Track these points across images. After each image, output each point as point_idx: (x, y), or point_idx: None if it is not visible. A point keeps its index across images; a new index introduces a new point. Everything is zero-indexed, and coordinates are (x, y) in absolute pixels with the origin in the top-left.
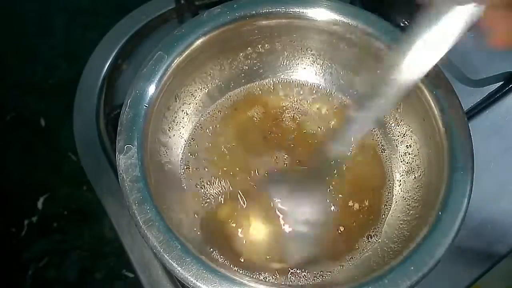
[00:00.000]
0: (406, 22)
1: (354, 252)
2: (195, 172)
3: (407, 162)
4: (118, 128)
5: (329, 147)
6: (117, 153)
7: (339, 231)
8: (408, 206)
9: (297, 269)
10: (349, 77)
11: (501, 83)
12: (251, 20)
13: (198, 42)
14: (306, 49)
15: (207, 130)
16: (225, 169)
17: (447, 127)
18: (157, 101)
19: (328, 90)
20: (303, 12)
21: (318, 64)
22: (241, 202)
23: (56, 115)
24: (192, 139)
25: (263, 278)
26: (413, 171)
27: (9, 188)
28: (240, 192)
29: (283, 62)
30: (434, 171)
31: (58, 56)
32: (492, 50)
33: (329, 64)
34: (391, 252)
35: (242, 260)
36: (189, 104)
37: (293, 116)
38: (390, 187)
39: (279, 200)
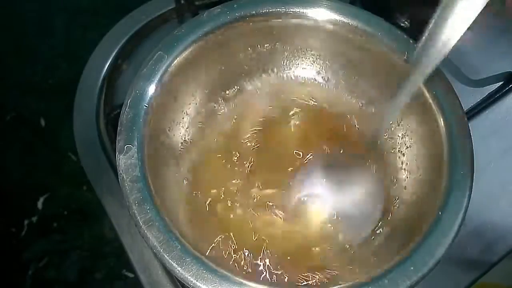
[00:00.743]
0: (406, 22)
1: (353, 252)
2: (196, 172)
3: (406, 163)
4: (118, 128)
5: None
6: (117, 153)
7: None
8: (407, 206)
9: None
10: (349, 77)
11: (501, 83)
12: (251, 20)
13: (198, 42)
14: (306, 49)
15: (208, 130)
16: (227, 167)
17: (447, 127)
18: (157, 101)
19: (328, 90)
20: (303, 12)
21: (318, 64)
22: (249, 208)
23: (56, 115)
24: (191, 139)
25: (263, 277)
26: (413, 171)
27: (9, 188)
28: (245, 195)
29: (283, 62)
30: (434, 171)
31: (58, 56)
32: (491, 49)
33: (329, 64)
34: (390, 252)
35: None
36: (189, 104)
37: (294, 115)
38: (389, 187)
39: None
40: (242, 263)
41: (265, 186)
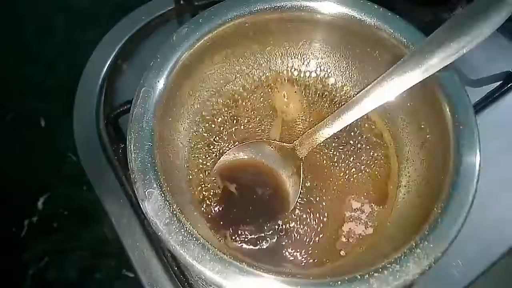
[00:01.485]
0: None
1: (361, 241)
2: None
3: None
4: (132, 175)
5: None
6: (140, 200)
7: (343, 225)
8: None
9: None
10: (355, 69)
11: (500, 82)
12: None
13: (175, 72)
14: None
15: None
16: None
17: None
18: (159, 136)
19: (335, 83)
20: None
21: (324, 57)
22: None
23: (56, 115)
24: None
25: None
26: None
27: (9, 188)
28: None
29: (289, 56)
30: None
31: (58, 56)
32: (490, 49)
33: (336, 57)
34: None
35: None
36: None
37: (299, 109)
38: (394, 181)
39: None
40: None
41: None
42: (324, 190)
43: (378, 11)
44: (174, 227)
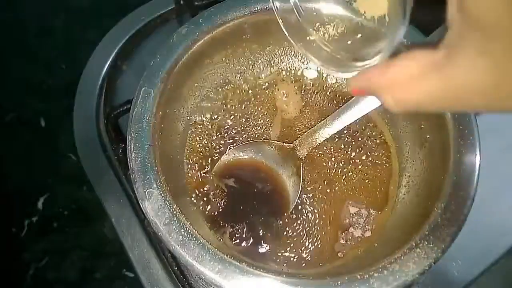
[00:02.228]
0: None
1: (359, 243)
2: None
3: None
4: (132, 175)
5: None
6: (140, 200)
7: (342, 226)
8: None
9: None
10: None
11: None
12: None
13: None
14: None
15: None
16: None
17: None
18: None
19: (335, 82)
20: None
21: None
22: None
23: (56, 115)
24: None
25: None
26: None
27: (9, 188)
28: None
29: (288, 56)
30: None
31: (58, 56)
32: None
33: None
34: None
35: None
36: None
37: (299, 109)
38: (395, 182)
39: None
40: None
41: None
42: (324, 191)
43: None
44: (174, 227)
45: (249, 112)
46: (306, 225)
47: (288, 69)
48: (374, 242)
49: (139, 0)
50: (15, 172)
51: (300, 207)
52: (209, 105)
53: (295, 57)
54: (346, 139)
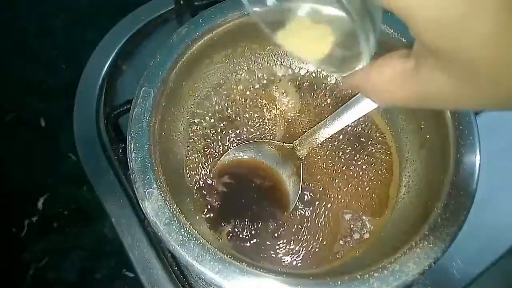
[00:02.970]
0: None
1: (359, 244)
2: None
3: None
4: (132, 175)
5: None
6: (140, 200)
7: (342, 227)
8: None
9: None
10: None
11: None
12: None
13: (174, 70)
14: None
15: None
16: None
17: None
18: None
19: (335, 82)
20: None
21: None
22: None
23: (56, 115)
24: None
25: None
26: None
27: (9, 188)
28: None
29: (288, 55)
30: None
31: (58, 56)
32: None
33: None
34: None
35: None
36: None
37: (299, 109)
38: (395, 182)
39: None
40: None
41: None
42: (324, 191)
43: None
44: (174, 227)
45: (249, 112)
46: (306, 225)
47: (288, 69)
48: (373, 243)
49: (139, 0)
50: (15, 172)
51: (300, 207)
52: (209, 105)
53: (294, 57)
54: (346, 139)
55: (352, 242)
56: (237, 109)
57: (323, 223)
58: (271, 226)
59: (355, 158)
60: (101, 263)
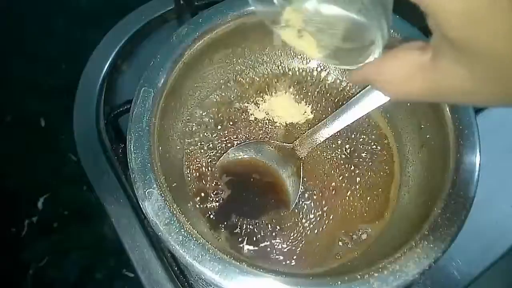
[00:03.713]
0: None
1: (358, 244)
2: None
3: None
4: (132, 175)
5: None
6: (140, 200)
7: (341, 228)
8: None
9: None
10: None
11: None
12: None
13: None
14: None
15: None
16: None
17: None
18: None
19: (335, 82)
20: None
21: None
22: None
23: (56, 116)
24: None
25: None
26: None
27: (9, 188)
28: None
29: (288, 55)
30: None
31: (58, 56)
32: None
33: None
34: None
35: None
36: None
37: (299, 108)
38: (396, 182)
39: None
40: None
41: None
42: (324, 191)
43: None
44: (174, 227)
45: (249, 112)
46: (306, 225)
47: (288, 69)
48: (373, 243)
49: (139, 0)
50: (15, 172)
51: (299, 207)
52: (209, 105)
53: (294, 57)
54: (346, 139)
55: (352, 242)
56: (237, 109)
57: (323, 223)
58: (271, 226)
59: (355, 158)
60: (101, 263)
